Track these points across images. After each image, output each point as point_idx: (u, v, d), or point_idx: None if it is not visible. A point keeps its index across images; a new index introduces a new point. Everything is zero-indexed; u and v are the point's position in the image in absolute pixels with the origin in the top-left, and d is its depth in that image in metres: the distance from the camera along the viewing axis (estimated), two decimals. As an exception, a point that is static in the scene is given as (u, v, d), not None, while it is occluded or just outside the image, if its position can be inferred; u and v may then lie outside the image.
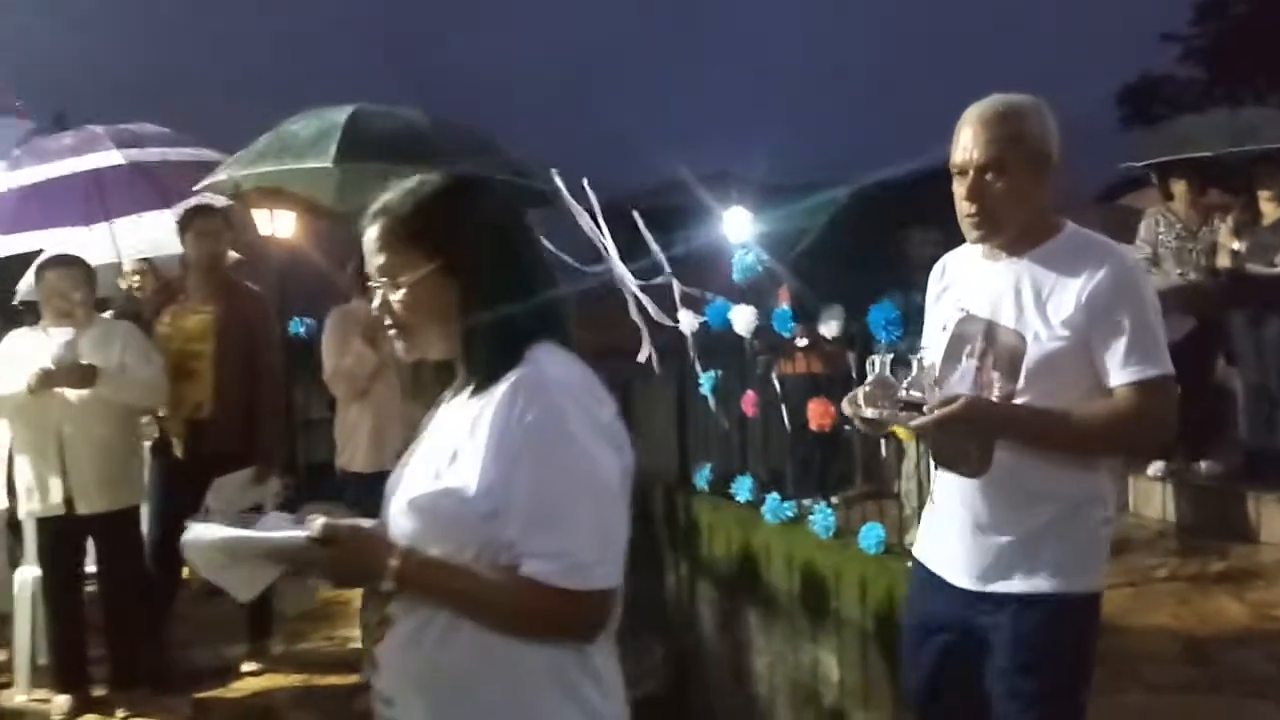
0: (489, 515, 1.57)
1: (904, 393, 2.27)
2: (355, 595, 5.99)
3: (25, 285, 5.30)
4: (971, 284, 2.40)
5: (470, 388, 1.67)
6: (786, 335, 4.79)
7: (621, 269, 4.70)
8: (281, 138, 3.39)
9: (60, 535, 4.45)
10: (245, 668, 5.01)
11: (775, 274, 5.42)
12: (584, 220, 4.70)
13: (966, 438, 2.33)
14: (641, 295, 4.67)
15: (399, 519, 1.66)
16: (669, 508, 5.95)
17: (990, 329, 2.32)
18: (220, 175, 3.46)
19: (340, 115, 3.40)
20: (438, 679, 1.63)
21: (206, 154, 4.49)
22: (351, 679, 4.77)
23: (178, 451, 4.73)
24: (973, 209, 2.31)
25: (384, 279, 1.71)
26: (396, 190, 1.73)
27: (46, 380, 4.19)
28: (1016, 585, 2.30)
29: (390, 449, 4.36)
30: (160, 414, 4.72)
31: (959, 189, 2.33)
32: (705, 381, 5.32)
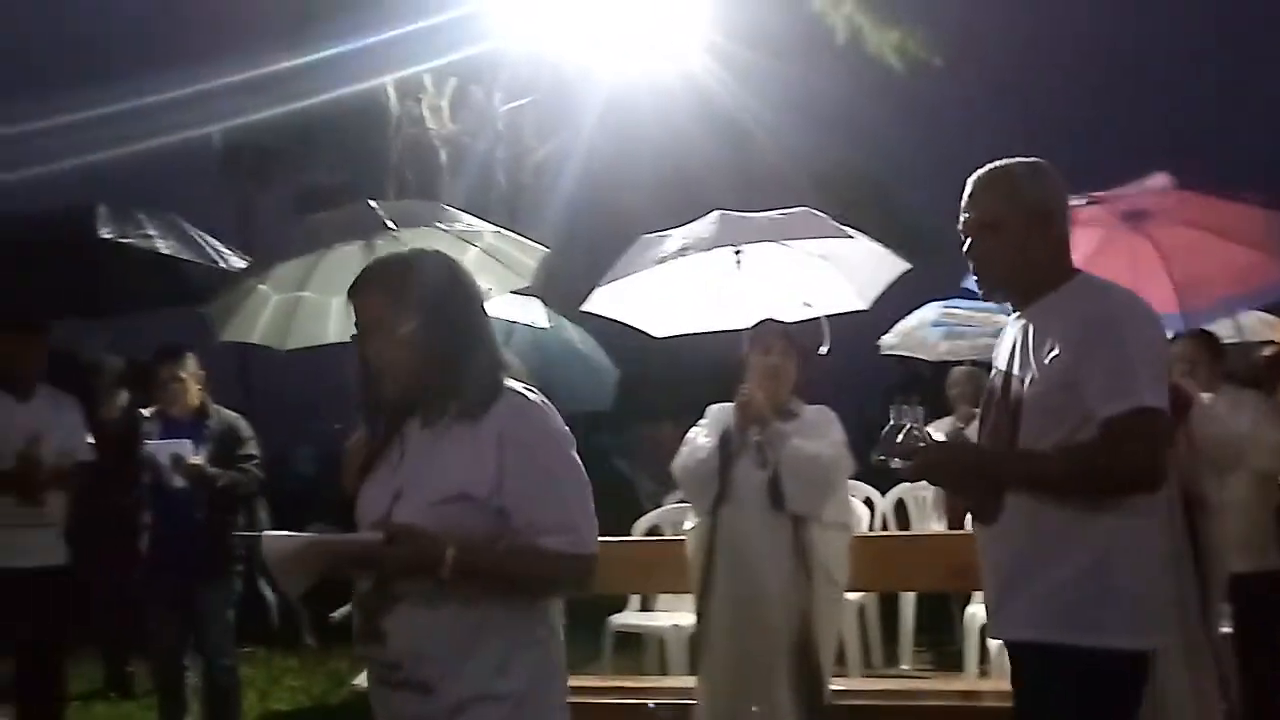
0: (499, 511, 2.02)
1: (900, 439, 2.36)
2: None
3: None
4: (1003, 340, 2.50)
5: (453, 415, 2.07)
6: None
7: None
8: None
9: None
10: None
11: None
12: None
13: (957, 483, 2.56)
14: None
15: (420, 521, 1.99)
16: None
17: (1005, 379, 2.40)
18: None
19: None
20: (439, 637, 2.01)
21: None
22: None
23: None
24: (973, 268, 2.44)
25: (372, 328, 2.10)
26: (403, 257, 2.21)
27: None
28: (1028, 633, 2.28)
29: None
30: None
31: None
32: None
